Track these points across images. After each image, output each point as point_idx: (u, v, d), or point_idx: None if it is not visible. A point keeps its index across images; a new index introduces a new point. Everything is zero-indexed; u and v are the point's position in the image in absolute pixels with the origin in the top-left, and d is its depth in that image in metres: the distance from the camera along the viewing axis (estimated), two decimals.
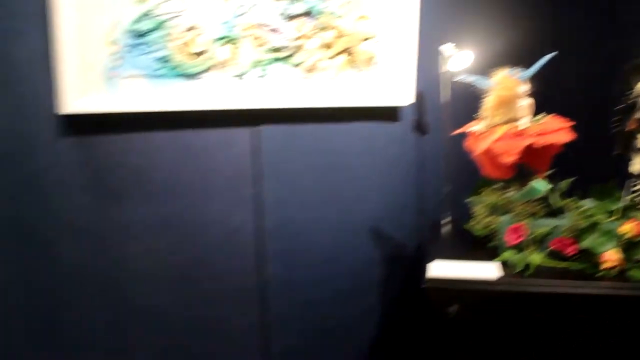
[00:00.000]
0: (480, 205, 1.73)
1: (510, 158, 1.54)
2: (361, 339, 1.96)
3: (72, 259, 1.49)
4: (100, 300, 1.54)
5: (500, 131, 1.60)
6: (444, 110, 1.82)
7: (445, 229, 1.86)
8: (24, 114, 1.41)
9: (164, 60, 1.51)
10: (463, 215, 1.82)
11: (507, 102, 1.60)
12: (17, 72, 1.39)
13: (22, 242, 1.43)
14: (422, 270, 1.57)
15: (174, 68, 1.52)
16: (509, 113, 1.60)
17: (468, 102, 1.75)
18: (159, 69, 1.51)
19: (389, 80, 1.82)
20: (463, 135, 1.73)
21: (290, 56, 1.67)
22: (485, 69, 1.68)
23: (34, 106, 1.41)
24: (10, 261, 1.42)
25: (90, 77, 1.43)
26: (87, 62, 1.42)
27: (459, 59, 1.76)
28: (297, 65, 1.68)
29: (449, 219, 1.87)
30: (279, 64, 1.66)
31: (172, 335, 1.65)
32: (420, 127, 1.94)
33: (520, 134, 1.58)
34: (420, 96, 1.89)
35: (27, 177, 1.42)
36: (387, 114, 1.88)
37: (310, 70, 1.71)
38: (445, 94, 1.81)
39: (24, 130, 1.41)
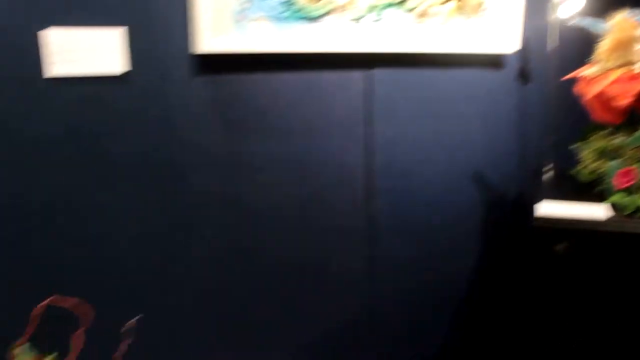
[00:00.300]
0: (588, 151, 1.76)
1: (624, 101, 1.55)
2: (463, 273, 2.03)
3: (202, 188, 1.61)
4: (225, 225, 1.66)
5: (615, 75, 1.60)
6: (551, 57, 1.83)
7: (548, 174, 1.89)
8: (161, 54, 1.52)
9: (289, 3, 1.59)
10: (565, 162, 1.84)
11: (623, 45, 1.60)
12: (155, 14, 1.49)
13: (160, 172, 1.55)
14: (523, 212, 1.62)
15: (298, 11, 1.60)
16: (625, 56, 1.60)
17: (574, 49, 1.76)
18: (283, 12, 1.59)
19: (495, 28, 1.84)
20: (567, 84, 1.74)
21: (403, 1, 1.72)
22: (597, 14, 1.68)
23: (170, 46, 1.52)
24: (149, 189, 1.55)
25: (221, 19, 1.53)
26: (219, 4, 1.52)
27: (568, 5, 1.76)
28: (410, 10, 1.73)
29: (551, 165, 1.89)
30: (393, 9, 1.71)
31: (286, 264, 1.76)
32: (524, 75, 1.96)
33: (636, 77, 1.58)
34: (526, 43, 1.91)
35: (164, 112, 1.54)
36: (493, 61, 1.91)
37: (421, 15, 1.75)
38: (553, 41, 1.82)
39: (162, 69, 1.52)
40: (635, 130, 1.64)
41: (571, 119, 1.81)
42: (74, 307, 1.44)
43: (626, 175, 1.60)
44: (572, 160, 1.81)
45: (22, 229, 1.43)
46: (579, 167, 1.78)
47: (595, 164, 1.73)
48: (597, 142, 1.73)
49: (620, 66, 1.61)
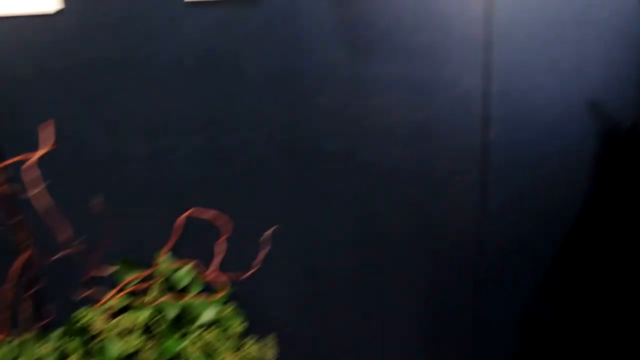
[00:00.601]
0: None
1: None
2: (577, 202, 2.00)
3: (328, 106, 1.62)
4: (347, 142, 1.68)
5: None
6: None
7: None
8: None
9: None
10: None
11: None
12: None
13: (290, 90, 1.58)
14: None
15: None
16: None
17: None
18: None
19: None
20: None
21: None
22: None
23: None
24: (280, 105, 1.58)
25: None
26: None
27: None
28: None
29: None
30: None
31: (400, 185, 1.78)
32: None
33: None
34: None
35: (294, 33, 1.55)
36: None
37: None
38: None
39: None
40: None
41: None
42: (213, 219, 1.51)
43: None
44: None
45: (164, 147, 1.50)
46: None
47: None
48: None
49: None
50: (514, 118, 1.84)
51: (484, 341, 2.05)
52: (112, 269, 1.40)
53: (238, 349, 1.36)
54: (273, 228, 1.58)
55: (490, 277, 1.99)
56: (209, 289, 1.48)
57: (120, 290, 1.39)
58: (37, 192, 1.31)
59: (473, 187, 1.87)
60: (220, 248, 1.49)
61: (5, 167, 1.28)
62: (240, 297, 1.45)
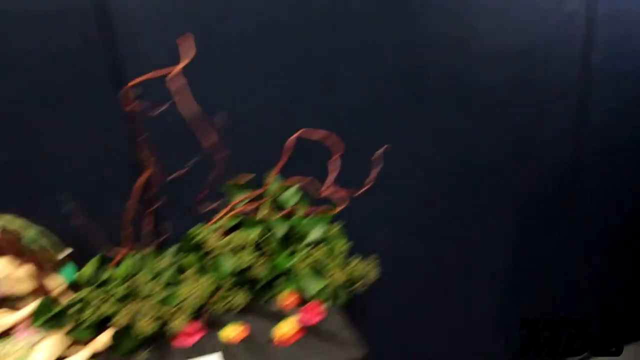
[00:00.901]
0: None
1: None
2: None
3: (433, 27, 1.55)
4: (448, 64, 1.60)
5: None
6: None
7: None
8: None
9: None
10: None
11: None
12: None
13: (396, 10, 1.48)
14: None
15: None
16: None
17: None
18: None
19: None
20: None
21: None
22: None
23: None
24: (386, 26, 1.50)
25: None
26: None
27: None
28: None
29: None
30: None
31: (502, 106, 1.69)
32: None
33: None
34: None
35: None
36: None
37: None
38: None
39: None
40: None
41: None
42: (323, 139, 1.48)
43: None
44: None
45: (276, 68, 1.46)
46: None
47: None
48: None
49: None
50: (617, 41, 1.76)
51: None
52: (225, 188, 1.43)
53: (344, 267, 1.35)
54: (384, 147, 1.52)
55: (585, 199, 1.90)
56: (315, 209, 1.47)
57: (232, 209, 1.41)
58: (183, 99, 1.33)
59: (573, 109, 1.77)
60: (334, 165, 1.47)
61: (134, 85, 1.31)
62: (344, 218, 1.44)
